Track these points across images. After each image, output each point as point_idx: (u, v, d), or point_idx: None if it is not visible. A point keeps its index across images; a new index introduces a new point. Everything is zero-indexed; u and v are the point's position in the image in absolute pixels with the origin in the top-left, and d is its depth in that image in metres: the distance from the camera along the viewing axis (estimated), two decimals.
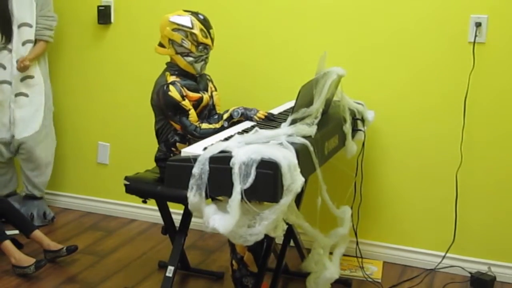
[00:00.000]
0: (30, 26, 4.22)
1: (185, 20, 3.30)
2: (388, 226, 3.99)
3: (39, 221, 4.37)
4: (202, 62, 3.36)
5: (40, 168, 4.40)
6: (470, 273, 3.74)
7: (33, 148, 4.31)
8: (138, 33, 4.38)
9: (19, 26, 4.19)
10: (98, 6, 4.41)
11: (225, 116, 3.25)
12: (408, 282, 3.72)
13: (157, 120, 3.37)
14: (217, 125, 3.24)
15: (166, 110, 3.27)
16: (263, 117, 3.20)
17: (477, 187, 3.77)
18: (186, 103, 3.25)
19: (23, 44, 4.22)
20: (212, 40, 3.37)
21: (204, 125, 3.26)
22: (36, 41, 4.25)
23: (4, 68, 4.21)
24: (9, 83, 4.22)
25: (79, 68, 4.61)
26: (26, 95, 4.26)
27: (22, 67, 4.15)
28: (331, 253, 3.23)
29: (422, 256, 3.92)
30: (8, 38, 4.18)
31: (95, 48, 4.54)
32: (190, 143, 3.26)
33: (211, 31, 3.35)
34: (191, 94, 3.30)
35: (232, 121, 3.23)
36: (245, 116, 3.22)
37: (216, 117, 3.35)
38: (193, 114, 3.28)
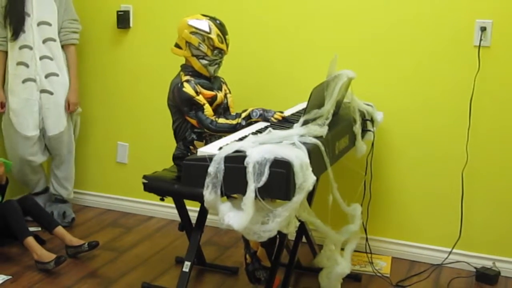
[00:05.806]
0: (50, 24, 4.19)
1: (203, 24, 3.34)
2: (396, 223, 4.02)
3: (58, 221, 4.27)
4: (216, 66, 3.41)
5: (65, 163, 4.45)
6: (475, 268, 3.77)
7: (59, 145, 4.36)
8: (156, 37, 4.42)
9: (39, 24, 4.15)
10: (117, 11, 4.45)
11: (243, 115, 3.26)
12: (415, 277, 3.74)
13: (174, 119, 3.42)
14: (234, 122, 3.25)
15: (181, 106, 3.30)
16: (280, 118, 3.21)
17: (482, 185, 3.81)
18: (200, 98, 3.29)
19: (44, 41, 4.18)
20: (227, 45, 3.41)
21: (221, 120, 3.27)
22: (63, 47, 4.26)
23: (27, 66, 4.17)
24: (33, 80, 4.19)
25: (99, 71, 4.65)
26: (51, 93, 4.24)
27: (72, 109, 4.33)
28: (342, 249, 3.23)
29: (429, 252, 3.95)
30: (17, 34, 4.12)
31: (114, 51, 4.58)
32: (207, 141, 3.31)
33: (227, 36, 3.40)
34: (205, 91, 3.33)
35: (249, 121, 3.24)
36: (263, 118, 3.22)
37: (234, 114, 3.35)
38: (208, 109, 3.30)
